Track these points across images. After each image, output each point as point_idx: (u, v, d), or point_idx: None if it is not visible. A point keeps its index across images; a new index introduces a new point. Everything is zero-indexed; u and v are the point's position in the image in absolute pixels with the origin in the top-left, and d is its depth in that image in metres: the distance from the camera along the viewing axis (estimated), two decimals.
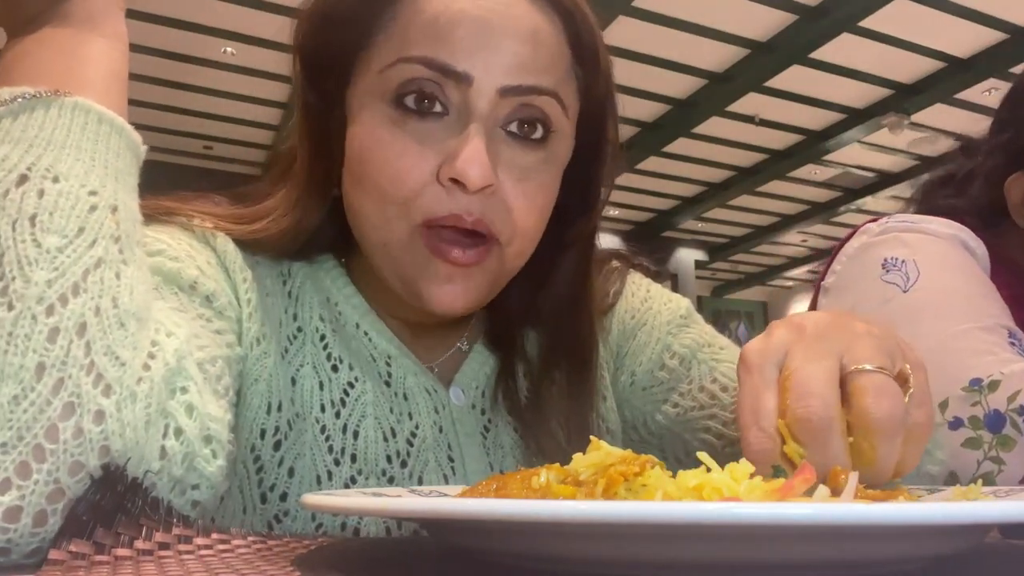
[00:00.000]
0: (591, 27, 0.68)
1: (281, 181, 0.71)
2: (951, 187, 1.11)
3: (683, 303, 0.84)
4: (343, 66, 0.66)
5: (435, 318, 0.73)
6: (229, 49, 5.63)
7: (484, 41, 0.61)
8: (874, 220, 1.04)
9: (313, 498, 0.40)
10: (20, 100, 0.46)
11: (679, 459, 0.78)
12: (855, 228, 1.06)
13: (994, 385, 0.78)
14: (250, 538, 0.45)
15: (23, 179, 0.44)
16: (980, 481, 0.51)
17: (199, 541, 0.43)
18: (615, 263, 0.86)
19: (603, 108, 0.71)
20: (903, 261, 0.94)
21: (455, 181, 0.60)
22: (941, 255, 0.95)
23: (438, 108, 0.62)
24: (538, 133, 0.64)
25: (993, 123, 1.10)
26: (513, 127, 0.64)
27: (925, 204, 1.13)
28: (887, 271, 0.95)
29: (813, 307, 1.08)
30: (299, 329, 0.69)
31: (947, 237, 0.97)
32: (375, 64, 0.64)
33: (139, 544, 0.40)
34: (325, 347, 0.70)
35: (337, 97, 0.68)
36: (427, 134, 0.62)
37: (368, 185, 0.63)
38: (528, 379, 0.77)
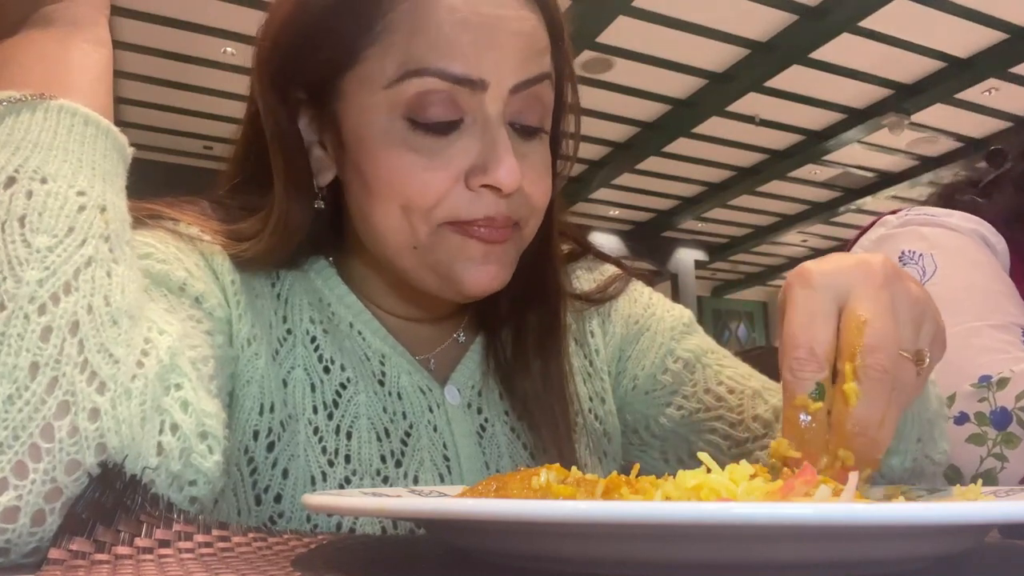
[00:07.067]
0: (556, 4, 0.69)
1: (257, 192, 0.70)
2: (974, 191, 1.09)
3: (686, 313, 0.86)
4: (326, 84, 0.65)
5: (438, 313, 0.75)
6: (229, 49, 5.62)
7: (491, 43, 0.61)
8: (894, 212, 1.03)
9: (314, 498, 0.40)
10: (5, 104, 0.46)
11: (682, 460, 0.79)
12: (874, 219, 1.05)
13: (1003, 383, 0.78)
14: (250, 535, 0.45)
15: (11, 181, 0.44)
16: (980, 481, 0.51)
17: (199, 538, 0.42)
18: (616, 270, 0.87)
19: (563, 74, 0.73)
20: (920, 255, 0.93)
21: (487, 186, 0.62)
22: (959, 250, 0.94)
23: (455, 118, 0.62)
24: (539, 121, 0.66)
25: None
26: (519, 121, 0.65)
27: (945, 204, 1.11)
28: (904, 264, 0.93)
29: None
30: (289, 331, 0.69)
31: (967, 232, 0.96)
32: (377, 79, 0.62)
33: (139, 542, 0.40)
34: (316, 349, 0.70)
35: (320, 114, 0.67)
36: (447, 144, 0.62)
37: (392, 199, 0.63)
38: (509, 336, 0.78)
